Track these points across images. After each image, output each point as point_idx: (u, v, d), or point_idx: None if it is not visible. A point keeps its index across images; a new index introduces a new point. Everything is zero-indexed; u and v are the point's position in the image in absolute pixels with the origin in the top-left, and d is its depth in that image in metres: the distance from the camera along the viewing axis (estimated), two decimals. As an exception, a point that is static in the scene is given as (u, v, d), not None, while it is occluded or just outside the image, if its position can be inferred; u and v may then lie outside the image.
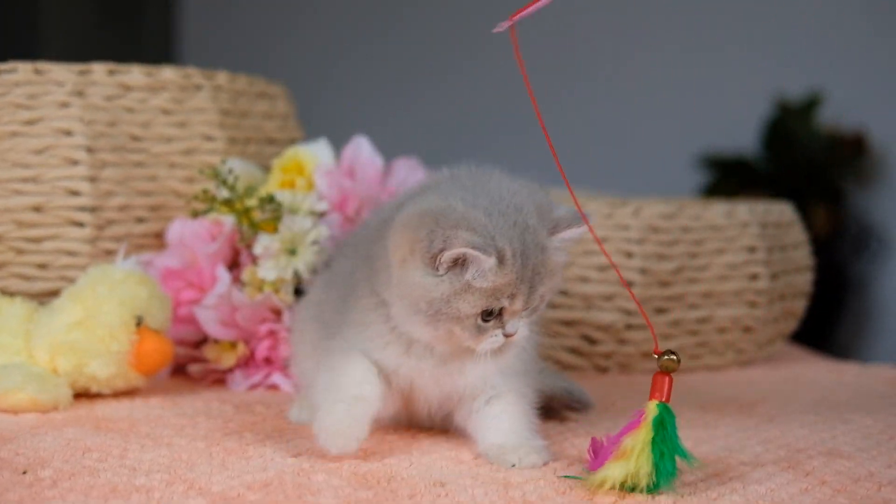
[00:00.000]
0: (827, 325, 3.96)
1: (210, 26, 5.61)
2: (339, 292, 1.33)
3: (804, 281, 2.02)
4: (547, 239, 1.20)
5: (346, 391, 1.23)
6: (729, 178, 4.18)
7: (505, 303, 1.18)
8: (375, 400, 1.24)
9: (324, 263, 1.55)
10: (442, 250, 1.15)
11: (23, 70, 1.70)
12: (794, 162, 4.10)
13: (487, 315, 1.19)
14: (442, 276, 1.17)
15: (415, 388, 1.28)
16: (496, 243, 1.16)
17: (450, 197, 1.20)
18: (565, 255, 1.24)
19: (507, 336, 1.20)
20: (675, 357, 1.14)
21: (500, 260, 1.16)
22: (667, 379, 1.14)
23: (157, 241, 1.75)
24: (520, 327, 1.21)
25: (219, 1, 5.70)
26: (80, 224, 1.68)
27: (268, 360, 1.64)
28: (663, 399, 1.13)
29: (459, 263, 1.16)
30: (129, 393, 1.55)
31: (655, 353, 1.15)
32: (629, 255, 1.83)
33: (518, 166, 1.27)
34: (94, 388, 1.51)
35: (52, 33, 4.95)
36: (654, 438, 1.10)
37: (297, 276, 1.62)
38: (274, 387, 1.64)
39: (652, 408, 1.12)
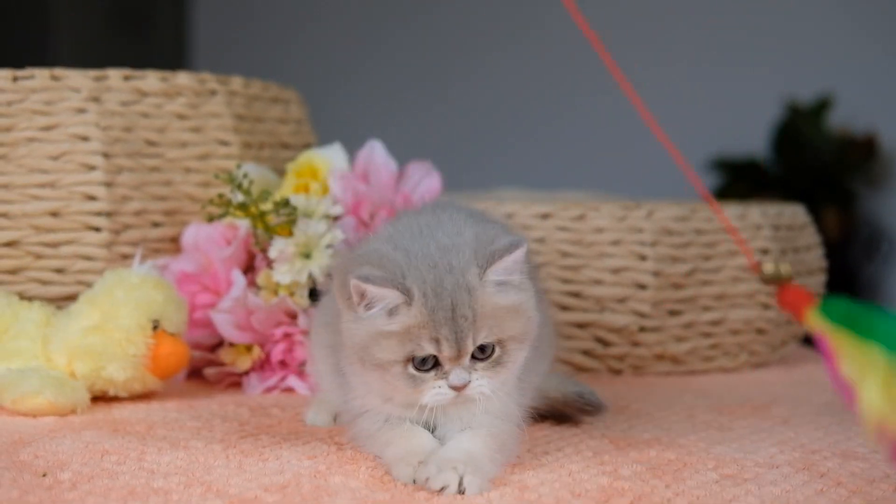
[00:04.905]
0: (839, 328, 3.95)
1: (222, 33, 5.64)
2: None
3: (817, 283, 2.02)
4: (477, 279, 1.13)
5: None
6: (740, 181, 4.18)
7: (430, 348, 1.12)
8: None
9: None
10: (350, 290, 1.12)
11: (39, 76, 1.72)
12: (805, 165, 4.10)
13: (422, 364, 1.13)
14: (362, 318, 1.13)
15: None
16: (404, 281, 1.12)
17: (381, 241, 1.19)
18: (514, 292, 1.16)
19: (455, 388, 1.13)
20: (775, 269, 0.99)
21: (408, 298, 1.12)
22: (791, 290, 0.97)
23: (173, 245, 1.76)
24: (473, 380, 1.14)
25: (231, 7, 5.72)
26: (96, 229, 1.69)
27: (283, 364, 1.65)
28: (810, 305, 0.94)
29: (371, 304, 1.12)
30: (146, 396, 1.56)
31: (754, 269, 1.02)
32: (642, 257, 1.83)
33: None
34: (112, 392, 1.52)
35: (65, 42, 4.97)
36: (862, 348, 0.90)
37: (311, 279, 1.63)
38: (289, 390, 1.65)
39: (817, 323, 0.93)
